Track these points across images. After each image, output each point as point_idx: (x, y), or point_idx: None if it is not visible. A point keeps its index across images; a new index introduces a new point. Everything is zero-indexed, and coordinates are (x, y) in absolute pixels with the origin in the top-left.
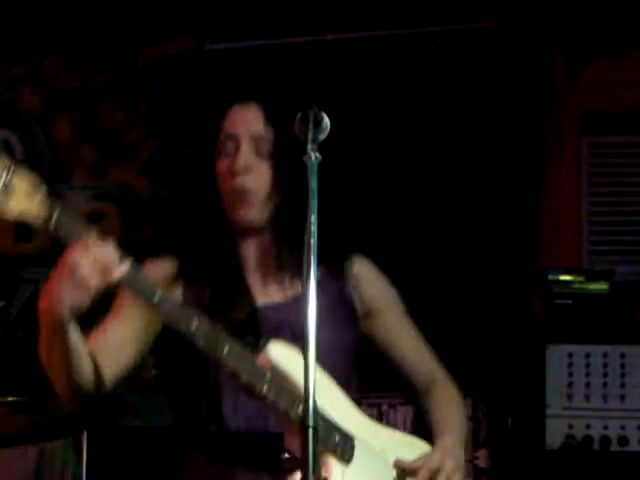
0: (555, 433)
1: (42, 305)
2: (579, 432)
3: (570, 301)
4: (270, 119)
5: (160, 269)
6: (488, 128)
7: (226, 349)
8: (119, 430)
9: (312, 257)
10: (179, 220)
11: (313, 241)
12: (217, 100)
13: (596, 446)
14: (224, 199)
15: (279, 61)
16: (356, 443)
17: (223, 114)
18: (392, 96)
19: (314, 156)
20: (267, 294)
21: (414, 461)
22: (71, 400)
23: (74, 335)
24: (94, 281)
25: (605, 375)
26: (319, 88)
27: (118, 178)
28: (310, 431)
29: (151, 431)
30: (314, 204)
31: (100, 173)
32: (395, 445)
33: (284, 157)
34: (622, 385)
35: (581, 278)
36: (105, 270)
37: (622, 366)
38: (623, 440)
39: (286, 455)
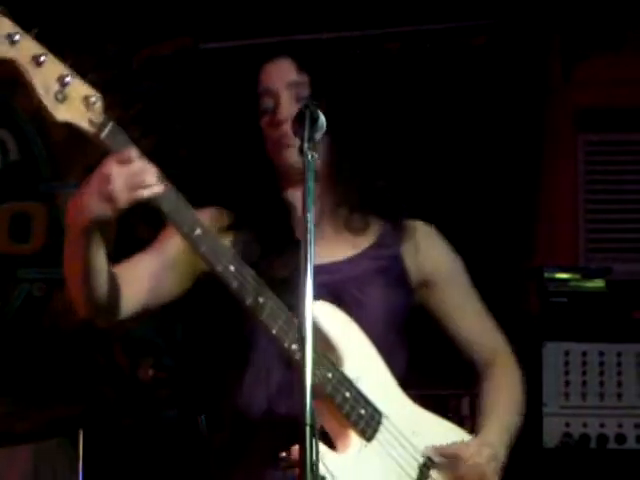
0: (552, 431)
1: (69, 211)
2: (576, 430)
3: (566, 299)
4: (302, 66)
5: (208, 217)
6: (484, 126)
7: (262, 298)
8: (116, 429)
9: (309, 254)
10: (226, 174)
11: (310, 237)
12: (251, 62)
13: (593, 444)
14: (271, 150)
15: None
16: (384, 421)
17: (255, 77)
18: (387, 95)
19: (310, 155)
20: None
21: (445, 448)
22: (86, 313)
23: (95, 246)
24: (124, 195)
25: (602, 373)
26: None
27: None
28: (307, 429)
29: (149, 430)
30: (310, 202)
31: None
32: (430, 430)
33: (324, 99)
34: (619, 383)
35: (577, 276)
36: (138, 186)
37: (618, 364)
38: (620, 438)
39: (283, 454)
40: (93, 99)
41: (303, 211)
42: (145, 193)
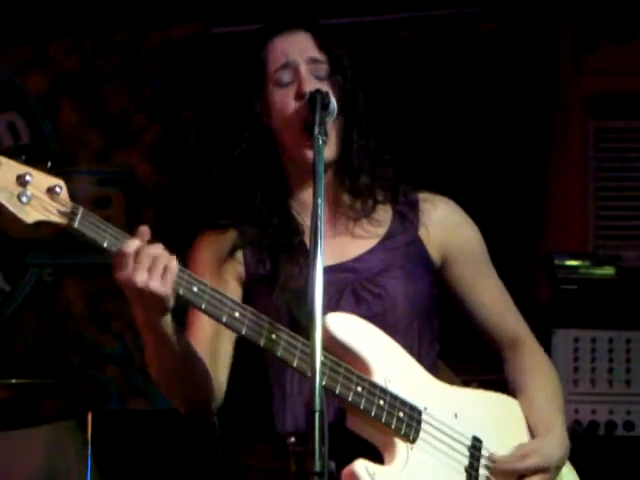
0: None
1: (139, 327)
2: (585, 417)
3: (576, 286)
4: (321, 45)
5: (222, 238)
6: (494, 112)
7: (274, 335)
8: (125, 412)
9: (319, 240)
10: (229, 187)
11: (320, 224)
12: (255, 36)
13: (602, 431)
14: (290, 136)
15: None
16: (424, 416)
17: (263, 48)
18: (398, 81)
19: (321, 139)
20: (326, 252)
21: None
22: (193, 415)
23: (181, 341)
24: (164, 287)
25: (611, 360)
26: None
27: (122, 162)
28: (316, 415)
29: (158, 414)
30: (321, 187)
31: (104, 157)
32: (472, 408)
33: (341, 79)
34: (627, 370)
35: (587, 263)
36: (165, 270)
37: (628, 351)
38: (629, 425)
39: (292, 439)
40: (57, 189)
41: (314, 197)
42: (174, 271)
